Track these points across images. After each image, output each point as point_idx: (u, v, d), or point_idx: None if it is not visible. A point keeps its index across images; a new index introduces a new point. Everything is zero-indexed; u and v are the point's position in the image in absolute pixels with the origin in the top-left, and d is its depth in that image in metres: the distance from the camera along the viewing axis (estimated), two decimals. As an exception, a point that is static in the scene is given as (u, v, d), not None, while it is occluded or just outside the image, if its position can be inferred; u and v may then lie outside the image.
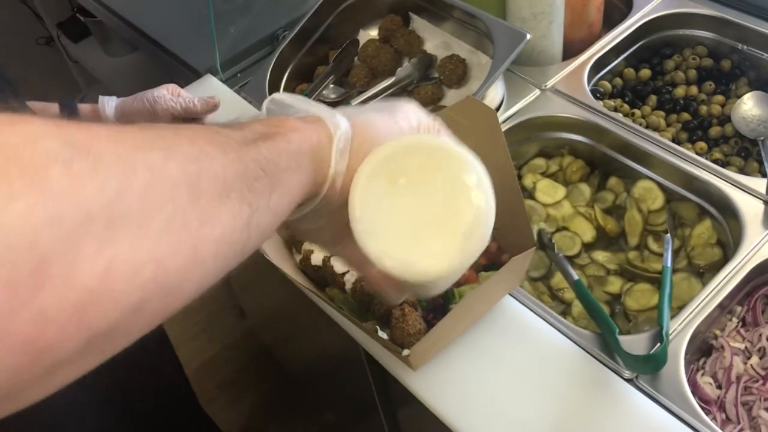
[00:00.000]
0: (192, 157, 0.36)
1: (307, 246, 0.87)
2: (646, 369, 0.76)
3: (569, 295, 0.95)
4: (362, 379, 1.13)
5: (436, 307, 0.79)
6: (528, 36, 1.03)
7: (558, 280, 0.97)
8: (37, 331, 0.29)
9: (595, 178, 1.08)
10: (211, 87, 1.18)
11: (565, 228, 1.03)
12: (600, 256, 1.01)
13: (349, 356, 1.13)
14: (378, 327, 0.78)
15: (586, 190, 1.06)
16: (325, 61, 1.23)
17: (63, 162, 0.30)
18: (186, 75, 1.22)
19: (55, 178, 0.29)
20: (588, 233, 1.02)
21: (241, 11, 1.32)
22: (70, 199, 0.29)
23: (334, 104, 1.14)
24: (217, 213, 0.37)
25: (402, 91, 1.13)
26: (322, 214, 0.49)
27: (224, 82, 1.20)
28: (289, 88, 1.22)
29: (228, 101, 1.15)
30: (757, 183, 0.94)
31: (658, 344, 0.76)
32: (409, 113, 0.52)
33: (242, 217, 0.38)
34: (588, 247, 1.02)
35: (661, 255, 0.98)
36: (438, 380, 0.79)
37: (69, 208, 0.29)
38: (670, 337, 0.79)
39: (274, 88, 1.20)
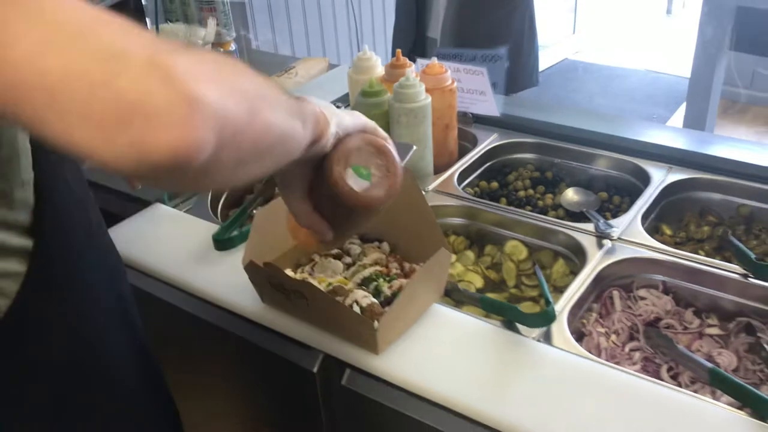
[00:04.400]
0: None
1: (303, 273, 1.12)
2: (543, 322, 1.07)
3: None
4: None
5: (391, 300, 1.06)
6: (414, 147, 1.41)
7: (466, 309, 1.27)
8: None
9: (475, 247, 1.43)
10: (160, 212, 1.44)
11: (461, 280, 1.35)
12: (490, 296, 1.33)
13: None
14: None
15: (470, 255, 1.40)
16: (250, 190, 1.54)
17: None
18: (137, 204, 1.46)
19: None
20: (478, 281, 1.34)
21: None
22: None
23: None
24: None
25: (319, 202, 1.45)
26: (307, 162, 0.78)
27: (172, 207, 1.46)
28: (224, 214, 1.51)
29: (177, 219, 1.41)
30: (588, 226, 1.33)
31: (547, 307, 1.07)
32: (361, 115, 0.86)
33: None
34: (480, 291, 1.34)
35: (533, 286, 1.32)
36: (398, 361, 1.04)
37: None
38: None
39: (214, 210, 1.48)
